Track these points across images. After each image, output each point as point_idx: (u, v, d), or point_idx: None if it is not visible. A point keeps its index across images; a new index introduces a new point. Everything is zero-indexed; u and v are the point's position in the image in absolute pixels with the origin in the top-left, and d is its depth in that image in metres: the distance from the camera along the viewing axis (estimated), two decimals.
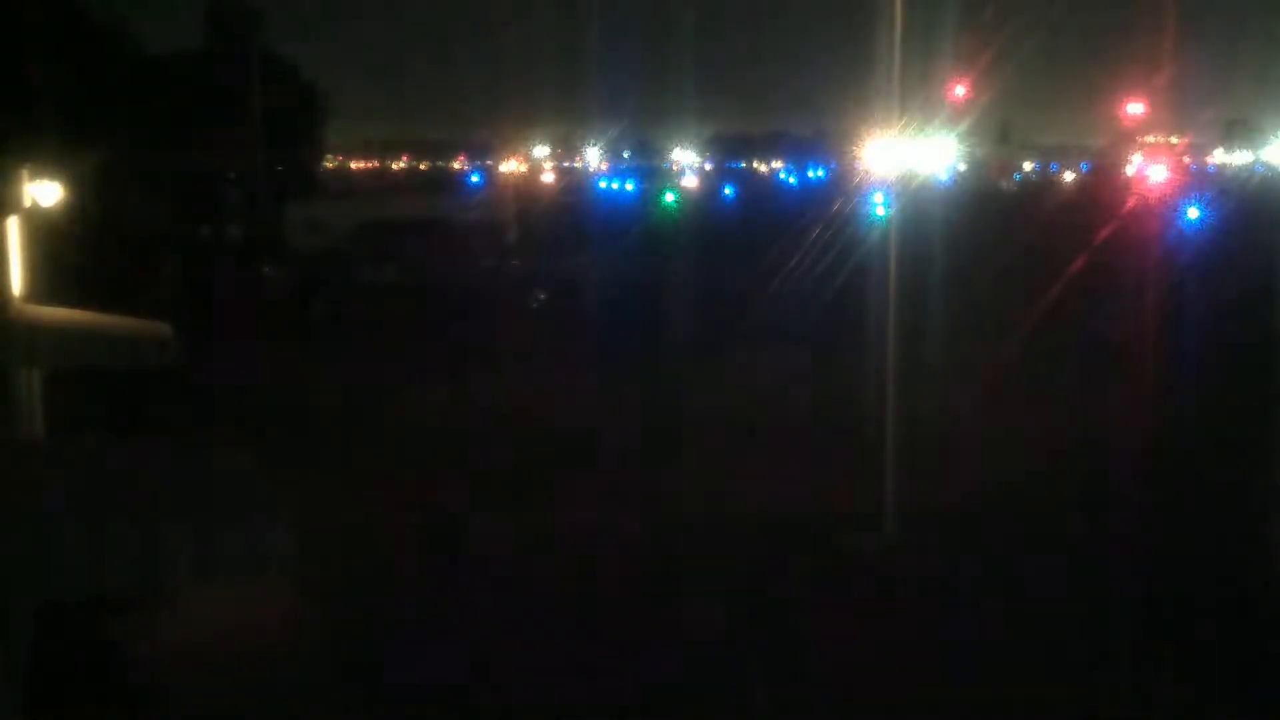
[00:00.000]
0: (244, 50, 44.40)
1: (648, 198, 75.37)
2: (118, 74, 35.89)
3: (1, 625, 7.36)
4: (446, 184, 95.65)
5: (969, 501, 19.35)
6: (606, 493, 19.90)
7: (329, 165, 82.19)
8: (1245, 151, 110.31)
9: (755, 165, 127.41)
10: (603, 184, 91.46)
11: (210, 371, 25.72)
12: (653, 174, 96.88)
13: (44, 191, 19.01)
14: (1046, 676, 13.49)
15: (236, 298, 36.79)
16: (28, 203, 18.05)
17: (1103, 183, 73.31)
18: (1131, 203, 53.51)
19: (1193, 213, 50.47)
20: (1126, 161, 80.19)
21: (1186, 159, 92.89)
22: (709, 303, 37.13)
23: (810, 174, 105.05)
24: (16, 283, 17.33)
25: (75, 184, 22.30)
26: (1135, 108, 68.39)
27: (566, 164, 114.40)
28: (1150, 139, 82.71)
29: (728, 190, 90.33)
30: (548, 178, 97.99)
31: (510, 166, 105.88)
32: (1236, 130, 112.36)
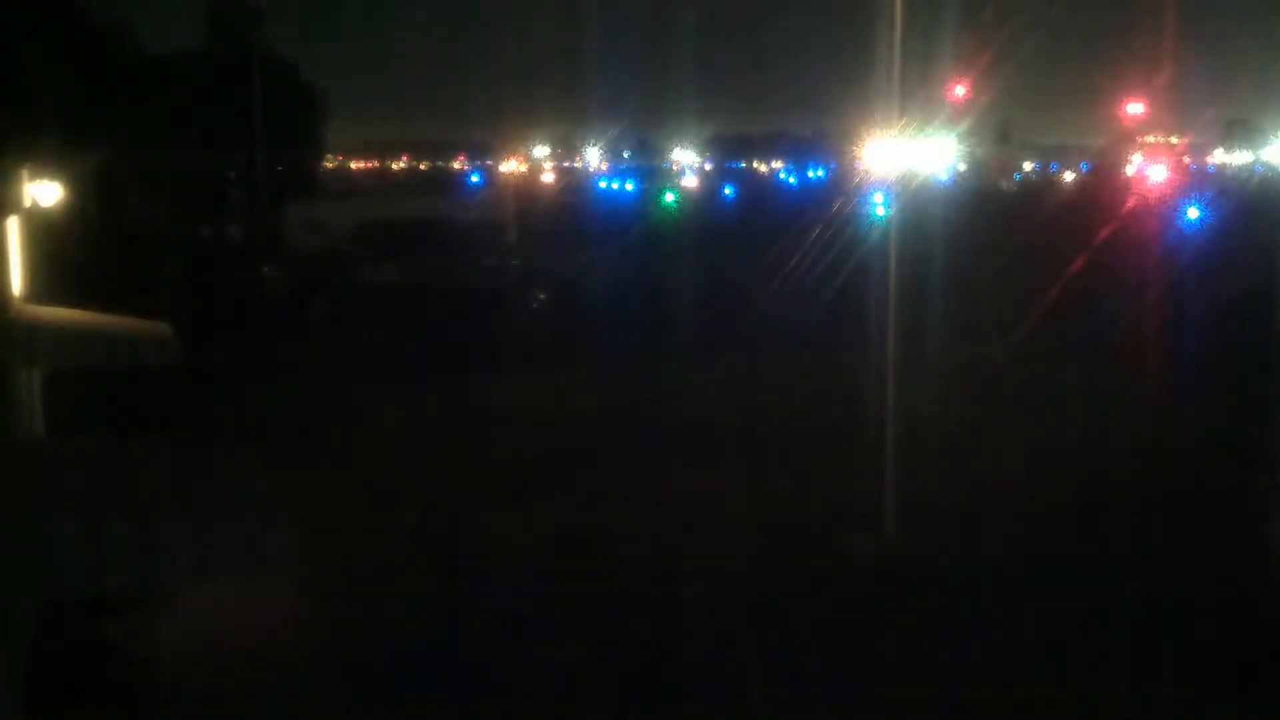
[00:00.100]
0: (244, 50, 44.38)
1: (648, 198, 75.31)
2: (118, 74, 35.87)
3: (1, 625, 7.36)
4: (446, 184, 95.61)
5: (969, 501, 19.36)
6: (606, 493, 19.90)
7: (329, 165, 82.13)
8: (1245, 151, 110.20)
9: (755, 165, 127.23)
10: (603, 184, 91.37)
11: (210, 371, 25.73)
12: (653, 174, 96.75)
13: (44, 191, 19.02)
14: (1046, 676, 13.49)
15: (236, 298, 36.77)
16: (28, 203, 18.06)
17: (1103, 183, 73.23)
18: (1131, 203, 53.45)
19: (1193, 213, 50.42)
20: (1126, 161, 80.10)
21: (1186, 159, 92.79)
22: (709, 302, 37.13)
23: (810, 174, 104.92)
24: (16, 283, 17.34)
25: (75, 184, 22.31)
26: (1135, 108, 68.34)
27: (566, 164, 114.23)
28: (1150, 139, 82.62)
29: (728, 190, 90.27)
30: (548, 178, 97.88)
31: (510, 166, 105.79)
32: (1236, 130, 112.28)
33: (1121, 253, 38.71)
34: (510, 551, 17.18)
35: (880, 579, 16.44)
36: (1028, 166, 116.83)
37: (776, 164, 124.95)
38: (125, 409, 20.42)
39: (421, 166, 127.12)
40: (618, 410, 25.51)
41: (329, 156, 79.20)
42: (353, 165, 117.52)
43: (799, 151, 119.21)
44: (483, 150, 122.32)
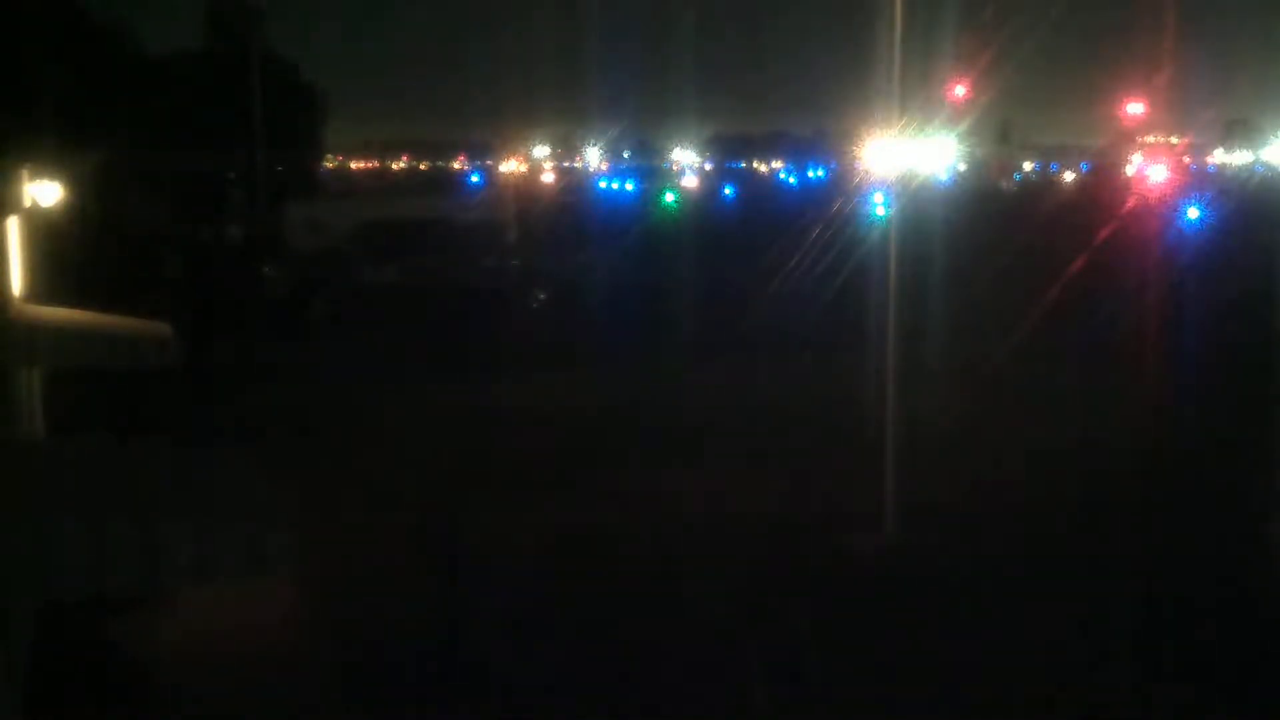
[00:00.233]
0: (244, 50, 44.38)
1: (648, 198, 75.34)
2: (118, 74, 35.89)
3: (1, 625, 7.36)
4: (446, 184, 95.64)
5: (969, 501, 19.36)
6: (606, 492, 19.91)
7: (329, 165, 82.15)
8: (1245, 151, 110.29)
9: (755, 165, 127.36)
10: (603, 184, 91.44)
11: (210, 371, 25.75)
12: (653, 174, 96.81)
13: (44, 191, 19.02)
14: (1046, 676, 13.49)
15: (236, 298, 36.77)
16: (28, 203, 18.05)
17: (1103, 183, 73.26)
18: (1131, 203, 53.47)
19: (1193, 213, 50.44)
20: (1126, 161, 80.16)
21: (1186, 159, 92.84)
22: (709, 302, 37.14)
23: (810, 174, 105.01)
24: (16, 283, 17.34)
25: (75, 184, 22.30)
26: (1135, 108, 68.41)
27: (566, 164, 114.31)
28: (1150, 139, 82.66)
29: (728, 190, 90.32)
30: (548, 178, 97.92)
31: (510, 166, 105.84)
32: (1236, 130, 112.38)
33: (1121, 253, 38.73)
34: (510, 551, 17.18)
35: (880, 579, 16.44)
36: (1028, 166, 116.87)
37: (776, 164, 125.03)
38: (125, 409, 20.42)
39: (421, 166, 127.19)
40: (618, 410, 25.51)
41: (329, 156, 79.24)
42: (353, 165, 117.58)
43: (799, 151, 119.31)
44: (483, 150, 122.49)
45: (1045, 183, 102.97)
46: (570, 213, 66.39)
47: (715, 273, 41.90)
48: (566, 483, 20.49)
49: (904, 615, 15.10)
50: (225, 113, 42.76)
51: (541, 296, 42.67)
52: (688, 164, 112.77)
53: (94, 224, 27.76)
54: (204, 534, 7.40)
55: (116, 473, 8.62)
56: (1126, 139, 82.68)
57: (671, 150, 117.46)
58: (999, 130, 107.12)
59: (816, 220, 41.13)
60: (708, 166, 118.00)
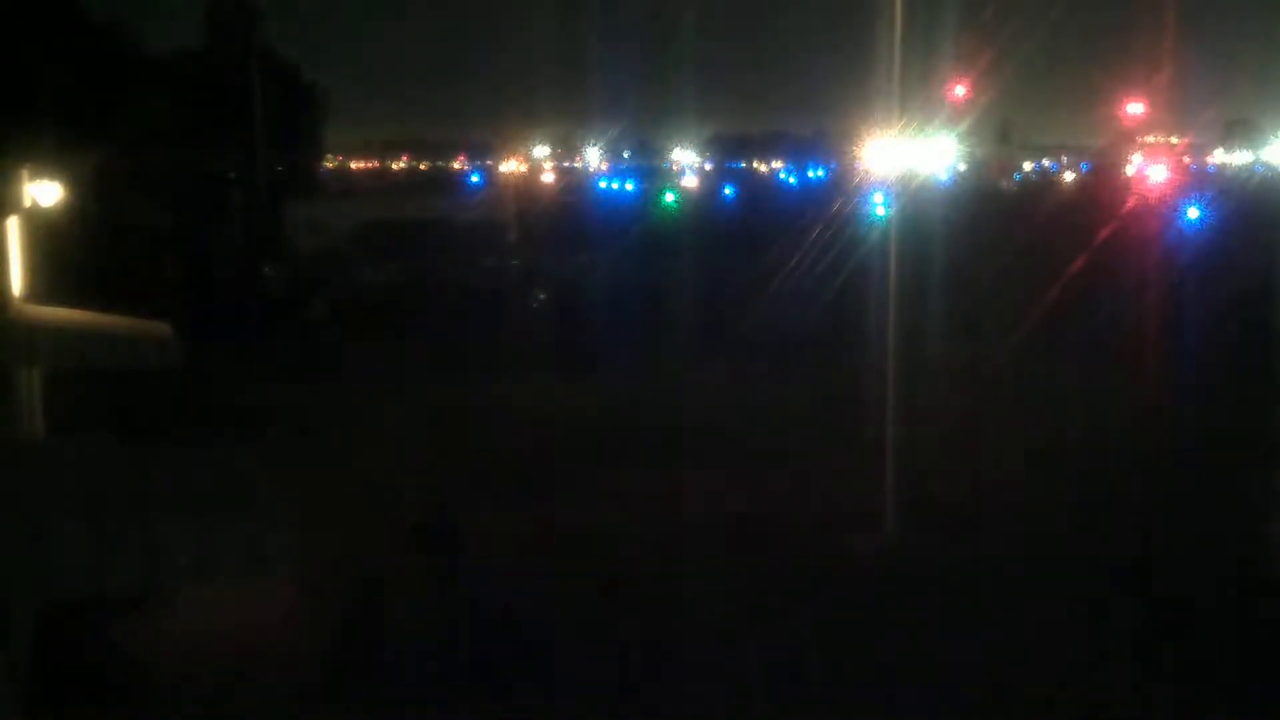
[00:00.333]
0: (244, 50, 44.39)
1: (648, 198, 75.27)
2: (118, 74, 35.86)
3: (1, 625, 7.36)
4: (446, 184, 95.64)
5: (969, 501, 19.36)
6: (606, 492, 19.90)
7: (329, 165, 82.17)
8: (1245, 151, 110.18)
9: (755, 165, 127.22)
10: (603, 184, 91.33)
11: (210, 371, 25.73)
12: (653, 174, 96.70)
13: (44, 191, 19.01)
14: (1046, 676, 13.49)
15: (236, 298, 36.76)
16: (28, 203, 18.05)
17: (1103, 183, 73.16)
18: (1131, 203, 53.42)
19: (1193, 213, 50.39)
20: (1126, 161, 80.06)
21: (1186, 159, 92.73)
22: (709, 302, 37.12)
23: (810, 174, 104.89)
24: (16, 283, 17.34)
25: (75, 184, 22.29)
26: (1135, 108, 68.33)
27: (566, 164, 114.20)
28: (1150, 139, 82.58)
29: (728, 190, 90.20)
30: (548, 178, 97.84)
31: (510, 166, 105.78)
32: (1237, 130, 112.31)
33: (1121, 253, 38.69)
34: (510, 551, 17.18)
35: (880, 579, 16.44)
36: (1028, 166, 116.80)
37: (776, 164, 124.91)
38: (125, 409, 20.42)
39: (421, 166, 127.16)
40: (618, 410, 25.51)
41: (329, 156, 79.26)
42: (353, 165, 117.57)
43: (799, 151, 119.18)
44: (483, 150, 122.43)
45: (1045, 183, 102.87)
46: (570, 213, 66.34)
47: (715, 273, 41.88)
48: (566, 482, 20.49)
49: (904, 615, 15.10)
50: (225, 113, 42.75)
51: (541, 296, 42.65)
52: (688, 164, 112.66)
53: (94, 224, 27.74)
54: (204, 534, 7.41)
55: (116, 473, 8.62)
56: (1126, 139, 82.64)
57: (671, 150, 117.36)
58: (999, 130, 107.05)
59: (816, 220, 41.09)
60: (708, 166, 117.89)
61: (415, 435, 23.82)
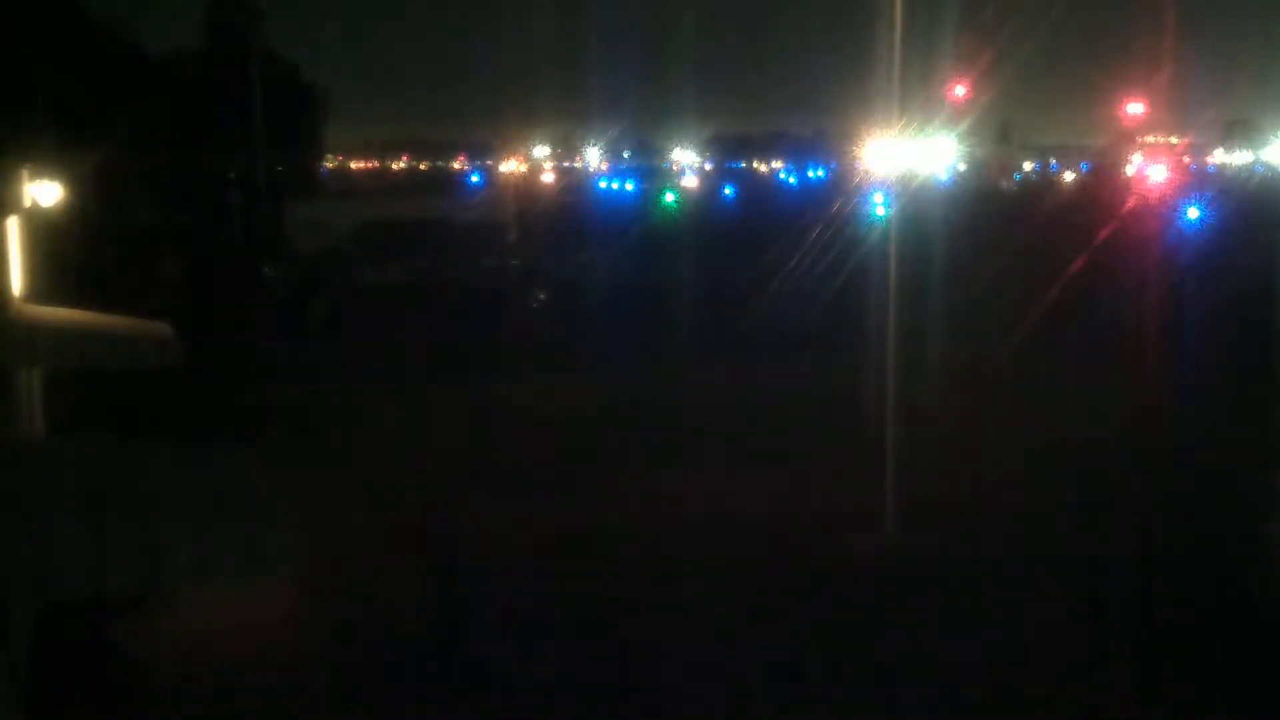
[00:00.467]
0: (244, 50, 44.39)
1: (648, 198, 75.28)
2: (118, 74, 35.84)
3: (1, 625, 7.36)
4: (446, 184, 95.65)
5: (969, 501, 19.36)
6: (606, 492, 19.90)
7: (329, 165, 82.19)
8: (1245, 151, 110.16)
9: (755, 165, 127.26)
10: (603, 184, 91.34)
11: (210, 371, 25.72)
12: (653, 174, 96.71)
13: (44, 191, 19.02)
14: (1046, 676, 13.49)
15: (236, 298, 36.75)
16: (28, 203, 18.05)
17: (1103, 183, 73.15)
18: (1131, 203, 53.42)
19: (1193, 213, 50.37)
20: (1126, 161, 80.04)
21: (1186, 159, 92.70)
22: (709, 302, 37.14)
23: (810, 174, 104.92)
24: (16, 283, 17.34)
25: (75, 184, 22.29)
26: (1135, 108, 68.33)
27: (566, 164, 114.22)
28: (1150, 139, 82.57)
29: (728, 190, 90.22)
30: (548, 178, 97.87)
31: (510, 166, 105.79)
32: (1237, 130, 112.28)
33: (1121, 252, 38.70)
34: (510, 551, 17.19)
35: (880, 579, 16.44)
36: (1028, 166, 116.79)
37: (776, 164, 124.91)
38: (125, 409, 20.41)
39: (421, 166, 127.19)
40: (618, 410, 25.51)
41: (329, 156, 79.29)
42: (353, 165, 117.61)
43: (799, 151, 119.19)
44: (483, 150, 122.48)
45: (1045, 183, 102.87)
46: (570, 213, 66.36)
47: (715, 273, 41.90)
48: (566, 482, 20.49)
49: (904, 615, 15.10)
50: (225, 113, 42.75)
51: (541, 296, 42.68)
52: (688, 164, 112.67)
53: (94, 224, 27.73)
54: (204, 534, 7.41)
55: (116, 473, 8.62)
56: (1126, 139, 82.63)
57: (671, 150, 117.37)
58: (999, 130, 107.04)
59: (816, 220, 41.12)
60: (708, 166, 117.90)
61: (415, 435, 23.83)
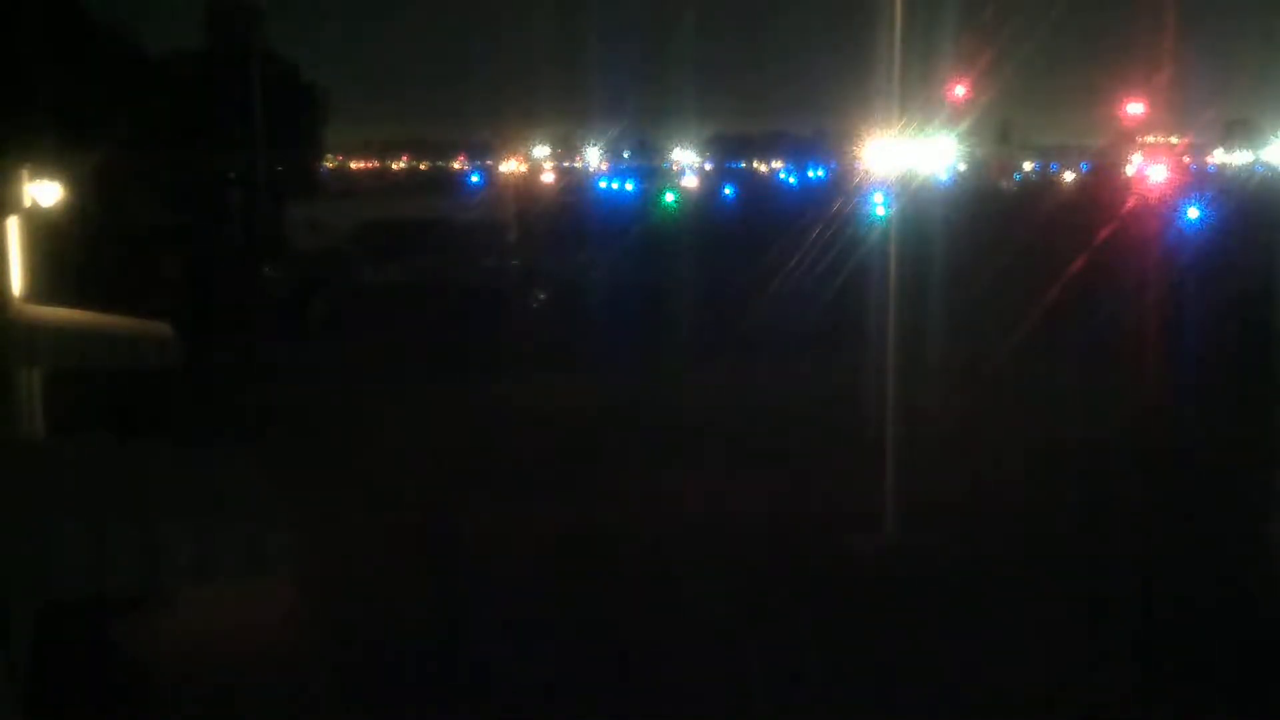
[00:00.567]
0: (244, 50, 44.40)
1: (648, 198, 75.30)
2: (118, 74, 35.84)
3: (2, 625, 7.36)
4: (446, 184, 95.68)
5: (969, 501, 19.36)
6: (606, 492, 19.90)
7: (329, 165, 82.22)
8: (1245, 151, 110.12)
9: (755, 165, 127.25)
10: (603, 184, 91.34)
11: (210, 371, 25.73)
12: (653, 174, 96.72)
13: (44, 191, 19.02)
14: (1046, 676, 13.49)
15: (236, 298, 36.77)
16: (28, 203, 18.05)
17: (1103, 183, 73.13)
18: (1131, 203, 53.42)
19: (1193, 213, 50.39)
20: (1126, 161, 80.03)
21: (1186, 159, 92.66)
22: (709, 302, 37.14)
23: (810, 174, 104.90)
24: (16, 283, 17.34)
25: (75, 184, 22.29)
26: (1135, 108, 68.34)
27: (566, 164, 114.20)
28: (1150, 139, 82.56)
29: (728, 190, 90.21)
30: (548, 178, 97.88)
31: (510, 166, 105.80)
32: (1237, 130, 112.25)
33: (1121, 252, 38.70)
34: (510, 551, 17.19)
35: (880, 579, 16.44)
36: (1028, 166, 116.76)
37: (776, 164, 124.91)
38: (125, 409, 20.42)
39: (421, 166, 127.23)
40: (618, 410, 25.51)
41: (329, 156, 79.31)
42: (353, 165, 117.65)
43: (799, 151, 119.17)
44: (483, 150, 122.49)
45: (1045, 183, 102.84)
46: (570, 213, 66.36)
47: (715, 273, 41.90)
48: (566, 482, 20.49)
49: (904, 615, 15.10)
50: (225, 113, 42.76)
51: (541, 296, 42.69)
52: (688, 164, 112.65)
53: (94, 224, 27.73)
54: (204, 534, 7.41)
55: (116, 473, 8.62)
56: (1126, 139, 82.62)
57: (671, 150, 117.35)
58: (999, 130, 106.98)
59: (816, 220, 41.11)
60: (708, 166, 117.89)
61: (415, 435, 23.84)
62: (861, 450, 19.38)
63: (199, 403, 23.72)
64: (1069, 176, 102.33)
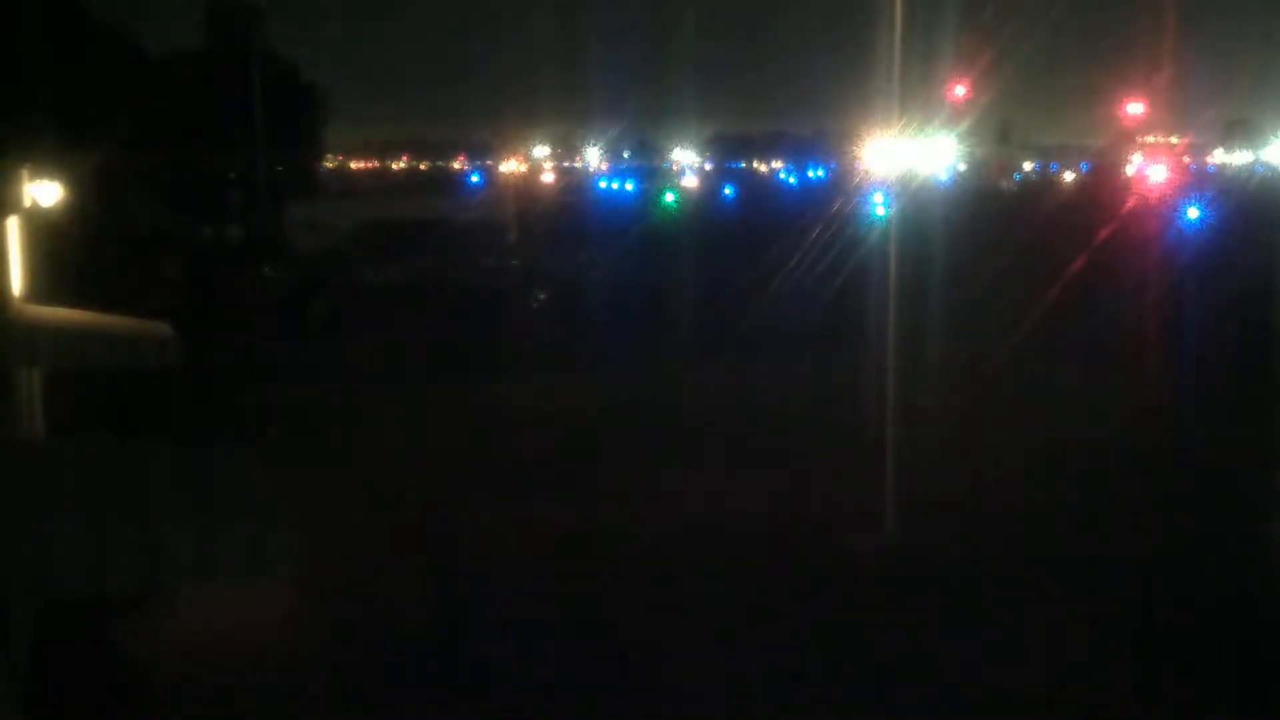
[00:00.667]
0: (244, 50, 44.41)
1: (648, 198, 75.29)
2: (118, 74, 35.85)
3: (2, 625, 7.36)
4: (446, 184, 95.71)
5: (969, 501, 19.36)
6: (606, 492, 19.89)
7: (329, 165, 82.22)
8: (1245, 151, 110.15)
9: (755, 165, 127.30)
10: (603, 184, 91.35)
11: (210, 371, 25.74)
12: (653, 174, 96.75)
13: (44, 191, 19.02)
14: (1046, 676, 13.49)
15: (236, 298, 36.77)
16: (28, 203, 18.05)
17: (1103, 183, 73.14)
18: (1131, 203, 53.42)
19: (1193, 213, 50.39)
20: (1126, 161, 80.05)
21: (1186, 159, 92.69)
22: (709, 302, 37.14)
23: (810, 174, 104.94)
24: (16, 283, 17.34)
25: (75, 184, 22.30)
26: (1135, 108, 68.41)
27: (566, 164, 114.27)
28: (1150, 139, 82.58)
29: (728, 190, 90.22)
30: (548, 178, 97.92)
31: (510, 166, 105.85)
32: (1237, 130, 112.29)
33: (1121, 252, 38.70)
34: (510, 551, 17.19)
35: (880, 579, 16.44)
36: (1028, 166, 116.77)
37: (776, 164, 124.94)
38: (125, 409, 20.42)
39: (421, 166, 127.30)
40: (618, 410, 25.51)
41: (329, 156, 79.31)
42: (353, 165, 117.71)
43: (799, 151, 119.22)
44: (483, 150, 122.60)
45: (1045, 183, 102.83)
46: (570, 213, 66.35)
47: (715, 273, 41.90)
48: (566, 482, 20.49)
49: (904, 615, 15.10)
50: (225, 113, 42.78)
51: (541, 296, 42.68)
52: (688, 164, 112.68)
53: (94, 224, 27.74)
54: (204, 534, 7.41)
55: (116, 473, 8.62)
56: (1126, 139, 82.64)
57: (671, 150, 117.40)
58: (999, 130, 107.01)
59: (816, 220, 41.12)
60: (708, 166, 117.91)
61: (415, 435, 23.83)
62: (861, 450, 19.38)
63: (199, 403, 23.72)
64: (1069, 176, 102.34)
